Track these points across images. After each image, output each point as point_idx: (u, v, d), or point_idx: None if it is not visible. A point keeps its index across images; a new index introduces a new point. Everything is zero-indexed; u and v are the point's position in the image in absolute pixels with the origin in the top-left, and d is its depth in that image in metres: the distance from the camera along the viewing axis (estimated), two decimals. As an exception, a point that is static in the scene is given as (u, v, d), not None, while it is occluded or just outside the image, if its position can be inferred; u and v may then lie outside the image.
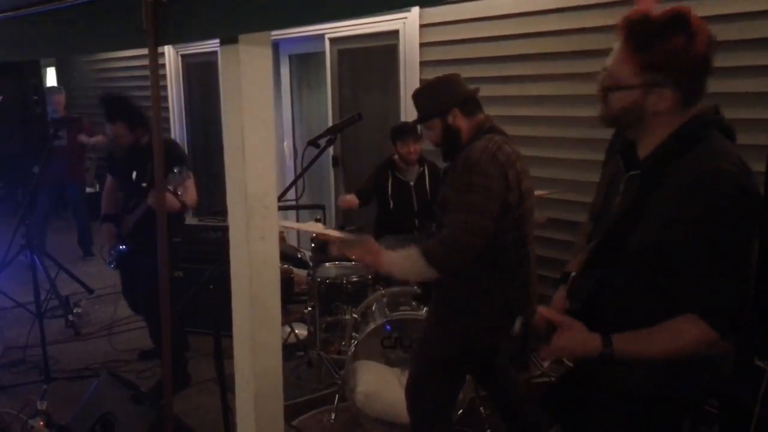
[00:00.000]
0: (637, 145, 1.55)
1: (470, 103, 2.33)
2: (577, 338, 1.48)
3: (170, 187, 3.11)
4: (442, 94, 2.31)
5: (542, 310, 1.56)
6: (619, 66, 1.45)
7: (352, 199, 4.01)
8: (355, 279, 3.71)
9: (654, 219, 1.42)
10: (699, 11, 3.10)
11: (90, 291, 5.28)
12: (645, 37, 1.38)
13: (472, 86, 2.38)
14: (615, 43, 1.47)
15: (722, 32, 2.95)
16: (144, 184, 3.43)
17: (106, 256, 3.73)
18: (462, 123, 2.31)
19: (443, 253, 2.11)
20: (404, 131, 3.89)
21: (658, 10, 1.40)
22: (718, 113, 1.50)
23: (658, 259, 1.43)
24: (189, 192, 3.38)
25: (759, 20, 2.88)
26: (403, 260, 2.19)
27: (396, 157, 4.02)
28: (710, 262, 1.37)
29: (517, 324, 1.57)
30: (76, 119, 6.14)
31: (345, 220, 5.19)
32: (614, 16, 3.29)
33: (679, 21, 1.36)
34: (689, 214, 1.37)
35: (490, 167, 2.12)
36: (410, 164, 3.97)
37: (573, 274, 1.64)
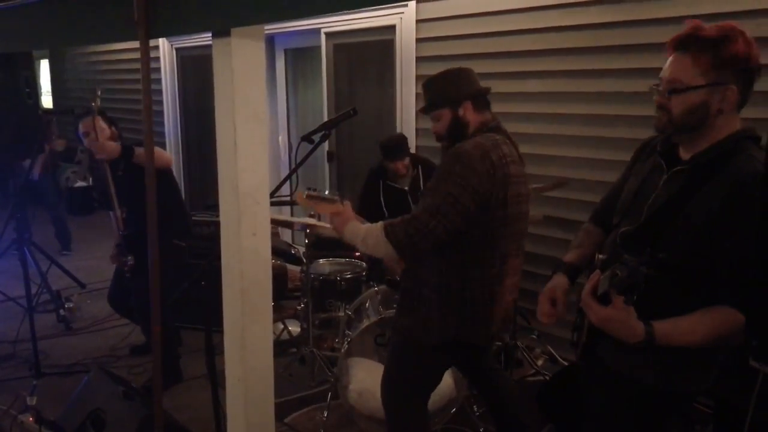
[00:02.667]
0: (680, 148, 1.66)
1: (482, 99, 2.30)
2: (625, 320, 1.52)
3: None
4: (456, 85, 2.27)
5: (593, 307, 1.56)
6: (684, 71, 1.55)
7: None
8: (349, 276, 3.70)
9: (699, 210, 1.53)
10: (674, 11, 3.09)
11: (82, 285, 5.26)
12: (710, 41, 1.51)
13: (484, 85, 2.35)
14: (671, 56, 1.59)
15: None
16: (121, 173, 3.44)
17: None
18: (471, 117, 2.27)
19: (402, 231, 2.08)
20: (394, 151, 3.83)
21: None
22: (755, 129, 1.62)
23: (697, 247, 1.53)
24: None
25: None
26: (365, 231, 2.17)
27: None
28: (746, 258, 1.46)
29: (603, 281, 1.54)
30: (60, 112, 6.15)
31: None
32: (613, 14, 3.32)
33: (735, 31, 1.51)
34: (732, 214, 1.49)
35: (478, 163, 2.08)
36: (403, 176, 3.94)
37: (602, 257, 1.69)
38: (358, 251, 4.00)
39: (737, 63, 1.50)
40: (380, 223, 2.14)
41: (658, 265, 1.42)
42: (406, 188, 3.94)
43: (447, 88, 2.28)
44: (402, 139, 3.91)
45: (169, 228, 3.30)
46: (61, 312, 4.52)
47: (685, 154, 1.64)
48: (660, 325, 1.52)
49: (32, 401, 2.83)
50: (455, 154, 2.11)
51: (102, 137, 3.44)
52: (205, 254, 4.13)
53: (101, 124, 3.49)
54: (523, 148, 3.80)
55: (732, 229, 1.48)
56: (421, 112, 2.42)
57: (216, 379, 2.63)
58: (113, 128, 3.55)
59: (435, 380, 2.46)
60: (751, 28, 2.87)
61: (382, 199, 3.97)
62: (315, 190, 2.29)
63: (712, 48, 1.50)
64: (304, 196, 2.30)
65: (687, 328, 1.53)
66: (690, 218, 1.54)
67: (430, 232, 2.06)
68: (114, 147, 3.37)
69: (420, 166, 3.99)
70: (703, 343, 1.53)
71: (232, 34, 1.67)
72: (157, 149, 3.51)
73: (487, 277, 2.21)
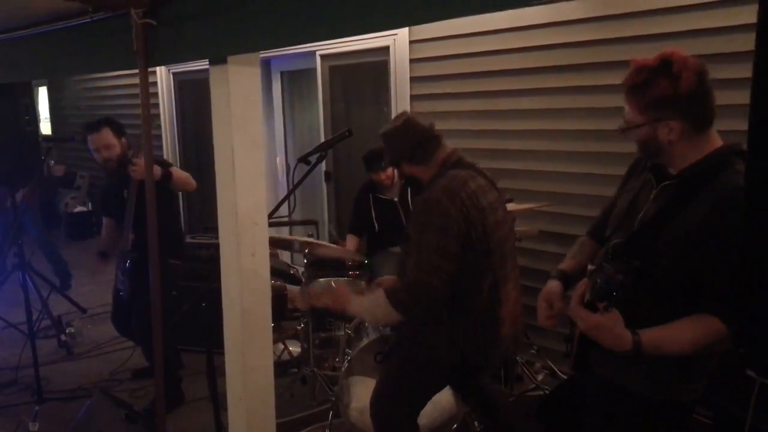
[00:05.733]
0: (667, 166, 1.72)
1: (420, 151, 2.33)
2: (612, 328, 1.56)
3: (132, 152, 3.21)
4: (392, 146, 2.38)
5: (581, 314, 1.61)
6: (628, 111, 1.70)
7: (351, 241, 4.10)
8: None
9: (686, 222, 1.59)
10: (659, 28, 3.15)
11: (83, 310, 5.26)
12: (638, 84, 1.63)
13: (427, 123, 2.37)
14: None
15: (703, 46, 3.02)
16: (125, 192, 3.44)
17: (118, 284, 3.68)
18: (415, 170, 2.36)
19: (407, 297, 2.14)
20: (373, 160, 3.89)
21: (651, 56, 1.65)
22: (739, 144, 1.66)
23: (679, 260, 1.58)
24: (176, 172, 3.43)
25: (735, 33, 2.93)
26: (370, 304, 2.22)
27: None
28: (729, 267, 1.49)
29: (587, 293, 1.59)
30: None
31: (338, 234, 5.20)
32: (603, 31, 3.38)
33: (663, 66, 1.60)
34: (716, 227, 1.53)
35: (450, 207, 2.13)
36: (388, 187, 3.99)
37: (591, 267, 1.74)
38: (353, 270, 4.05)
39: (665, 101, 1.59)
40: (382, 293, 2.18)
41: (633, 272, 1.47)
42: (396, 200, 4.00)
43: (387, 149, 2.41)
44: (381, 151, 3.98)
45: (165, 248, 3.33)
46: (62, 337, 4.52)
47: (673, 170, 1.70)
48: (647, 334, 1.56)
49: (34, 427, 2.84)
50: (426, 203, 2.18)
51: (114, 154, 3.46)
52: (205, 276, 4.15)
53: (111, 139, 3.48)
54: (518, 165, 3.90)
55: (717, 241, 1.52)
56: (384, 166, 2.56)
57: (218, 401, 2.65)
58: (123, 139, 3.53)
59: (430, 398, 2.49)
60: (727, 44, 2.95)
61: (372, 212, 4.03)
62: (312, 288, 2.34)
63: (639, 93, 1.63)
64: (305, 303, 2.35)
65: (673, 336, 1.57)
66: (677, 230, 1.58)
67: (434, 290, 2.13)
68: (155, 170, 3.35)
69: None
70: (689, 351, 1.57)
71: (228, 61, 1.72)
72: (185, 174, 3.52)
73: (477, 306, 2.25)
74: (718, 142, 1.65)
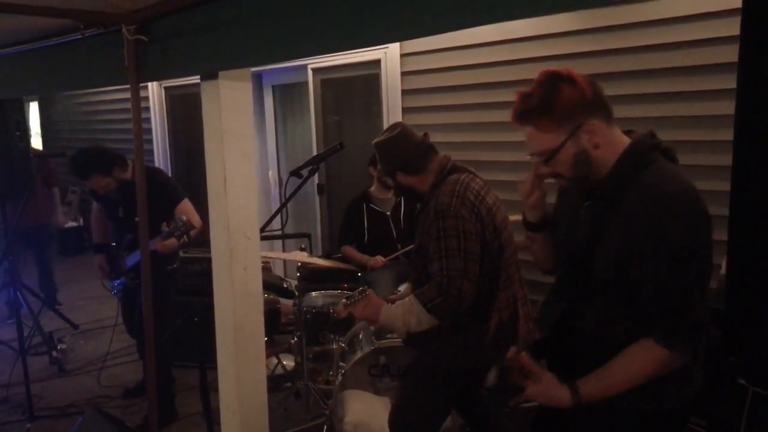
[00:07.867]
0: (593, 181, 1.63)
1: (414, 161, 2.33)
2: (546, 392, 1.57)
3: (176, 233, 3.16)
4: (386, 156, 2.38)
5: (521, 357, 1.64)
6: (539, 141, 1.57)
7: (349, 250, 4.10)
8: (341, 307, 3.71)
9: (612, 242, 1.52)
10: (646, 40, 3.18)
11: (75, 326, 5.22)
12: (539, 106, 1.52)
13: (421, 133, 2.38)
14: (525, 131, 1.60)
15: (671, 59, 3.06)
16: (137, 218, 3.42)
17: (107, 286, 3.71)
18: (410, 181, 2.35)
19: (443, 305, 2.12)
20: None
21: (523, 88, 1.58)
22: (655, 137, 1.59)
23: (619, 281, 1.52)
24: (192, 215, 3.40)
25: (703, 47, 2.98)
26: (403, 312, 2.19)
27: (372, 188, 4.08)
28: (659, 282, 1.45)
29: (491, 375, 1.61)
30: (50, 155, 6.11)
31: (331, 248, 5.20)
32: (592, 43, 3.42)
33: (552, 77, 1.53)
34: (642, 237, 1.46)
35: (462, 209, 2.14)
36: (387, 188, 4.00)
37: (542, 300, 1.72)
38: (347, 283, 4.06)
39: (576, 105, 1.51)
40: (415, 300, 2.16)
41: (514, 390, 1.52)
42: (388, 213, 4.02)
43: (381, 160, 2.42)
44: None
45: (162, 258, 3.33)
46: (54, 354, 4.49)
47: (594, 185, 1.63)
48: (585, 384, 1.54)
49: (26, 445, 2.81)
50: (436, 212, 2.17)
51: (111, 187, 3.46)
52: (197, 291, 4.13)
53: (102, 181, 3.45)
54: (510, 176, 3.91)
55: (649, 252, 1.45)
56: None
57: (211, 416, 2.63)
58: (115, 169, 3.48)
59: (447, 412, 2.51)
60: (707, 54, 2.98)
61: (365, 221, 4.05)
62: (350, 299, 2.30)
63: (547, 109, 1.52)
64: (345, 310, 2.32)
65: (612, 379, 1.52)
66: (607, 250, 1.54)
67: (466, 293, 2.11)
68: (174, 244, 3.32)
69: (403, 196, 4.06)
70: (635, 384, 1.51)
71: (219, 76, 1.72)
72: (193, 213, 3.49)
73: (497, 307, 2.26)
74: (624, 137, 1.59)
